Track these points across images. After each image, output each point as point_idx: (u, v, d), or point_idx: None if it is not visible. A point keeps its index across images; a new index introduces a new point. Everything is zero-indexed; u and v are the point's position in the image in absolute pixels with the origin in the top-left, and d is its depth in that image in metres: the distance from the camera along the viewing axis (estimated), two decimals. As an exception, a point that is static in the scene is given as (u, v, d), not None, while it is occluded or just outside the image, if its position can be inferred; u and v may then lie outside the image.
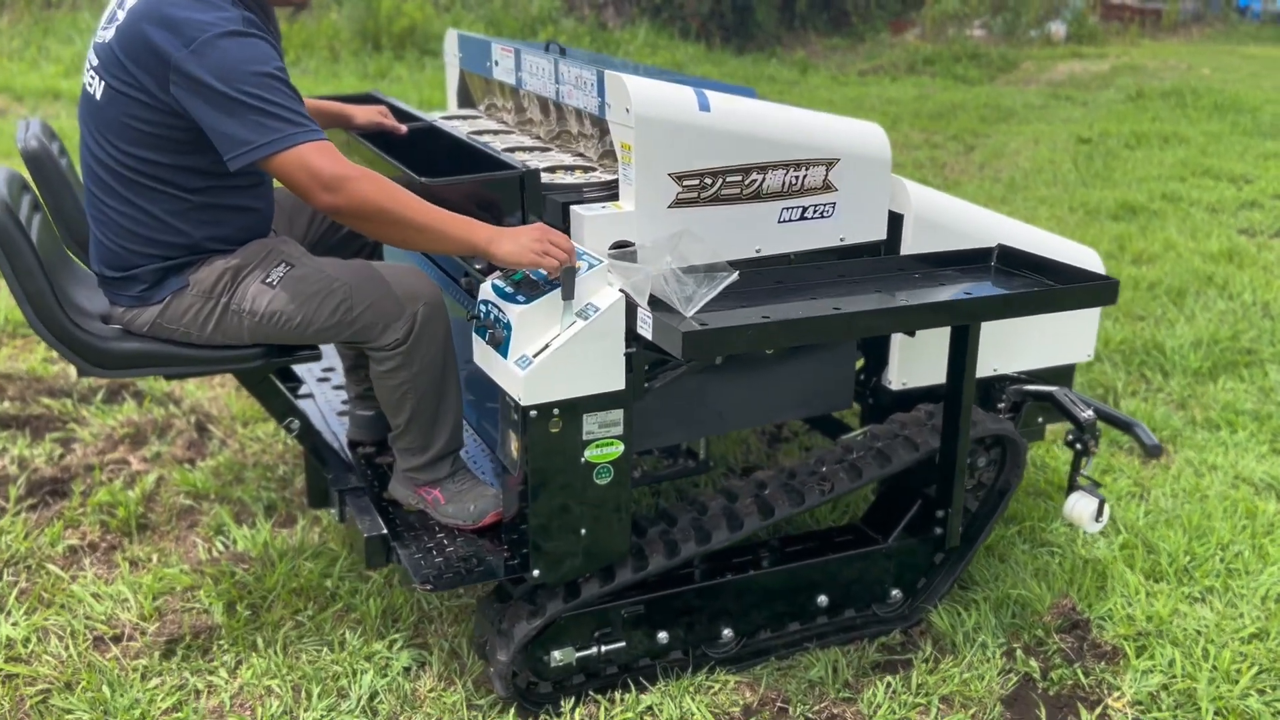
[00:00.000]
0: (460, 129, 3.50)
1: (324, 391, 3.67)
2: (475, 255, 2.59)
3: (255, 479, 3.83)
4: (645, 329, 2.40)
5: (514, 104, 3.65)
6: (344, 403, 3.54)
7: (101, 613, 3.12)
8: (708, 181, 2.69)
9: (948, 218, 3.05)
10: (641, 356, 2.56)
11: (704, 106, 2.70)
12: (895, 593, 3.12)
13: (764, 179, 2.78)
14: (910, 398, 3.18)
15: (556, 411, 2.48)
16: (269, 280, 2.70)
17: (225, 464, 3.92)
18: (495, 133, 3.53)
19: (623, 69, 2.96)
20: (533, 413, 2.46)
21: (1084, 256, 3.28)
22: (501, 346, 2.49)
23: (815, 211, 2.86)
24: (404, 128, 3.36)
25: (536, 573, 2.61)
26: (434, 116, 3.75)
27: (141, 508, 3.63)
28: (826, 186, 2.86)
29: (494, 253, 2.50)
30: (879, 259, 2.90)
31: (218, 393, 4.50)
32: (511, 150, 3.25)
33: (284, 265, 2.72)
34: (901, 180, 3.00)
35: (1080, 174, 8.83)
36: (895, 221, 2.99)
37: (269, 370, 2.85)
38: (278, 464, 3.94)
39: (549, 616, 2.65)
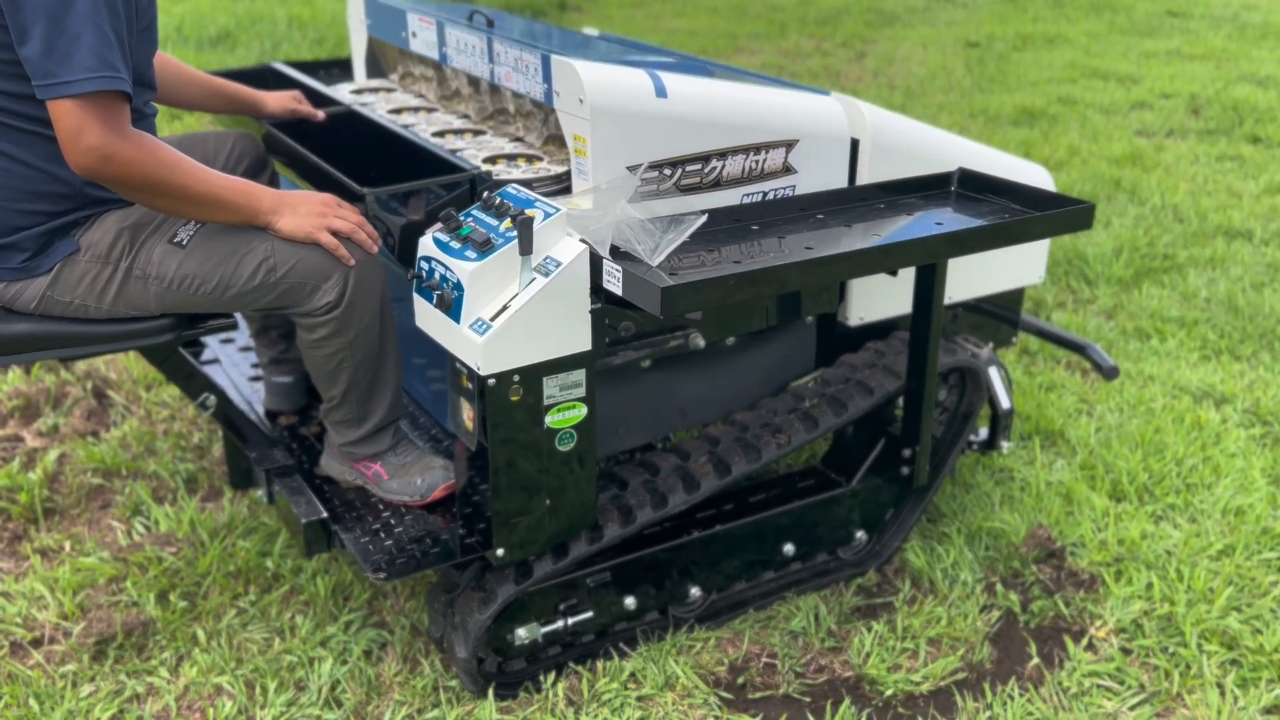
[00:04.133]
0: (378, 107, 3.23)
1: (230, 355, 3.40)
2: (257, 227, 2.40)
3: (169, 449, 3.57)
4: (614, 284, 2.20)
5: (436, 75, 3.38)
6: (254, 367, 3.28)
7: (15, 614, 2.86)
8: (667, 172, 2.49)
9: (904, 141, 2.90)
10: (606, 312, 2.37)
11: (660, 92, 2.50)
12: (860, 535, 3.02)
13: (724, 166, 2.61)
14: (868, 333, 3.05)
15: (517, 379, 2.28)
16: (177, 239, 2.41)
17: (133, 434, 3.64)
18: (417, 110, 3.26)
19: (559, 43, 2.73)
20: (492, 381, 2.25)
21: (1038, 175, 3.17)
22: (453, 309, 2.26)
23: (776, 195, 2.69)
24: (321, 114, 3.04)
25: (501, 551, 2.42)
26: (345, 91, 3.46)
27: (45, 490, 3.35)
28: (786, 169, 2.69)
29: (276, 228, 2.36)
30: (839, 190, 2.74)
31: (113, 355, 4.18)
32: (440, 134, 3.00)
33: (194, 222, 2.43)
34: (856, 102, 2.84)
35: (974, 78, 8.78)
36: (851, 147, 2.83)
37: (178, 344, 2.56)
38: (191, 431, 3.68)
39: (502, 602, 2.47)
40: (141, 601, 2.89)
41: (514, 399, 2.29)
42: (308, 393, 3.10)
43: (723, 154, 2.59)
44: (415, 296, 2.39)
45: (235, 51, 9.35)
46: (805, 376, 3.04)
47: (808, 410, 2.81)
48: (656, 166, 2.48)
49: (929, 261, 2.63)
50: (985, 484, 3.37)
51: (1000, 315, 3.31)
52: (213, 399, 2.68)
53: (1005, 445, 3.23)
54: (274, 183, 2.92)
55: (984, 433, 3.27)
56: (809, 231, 2.55)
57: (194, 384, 2.65)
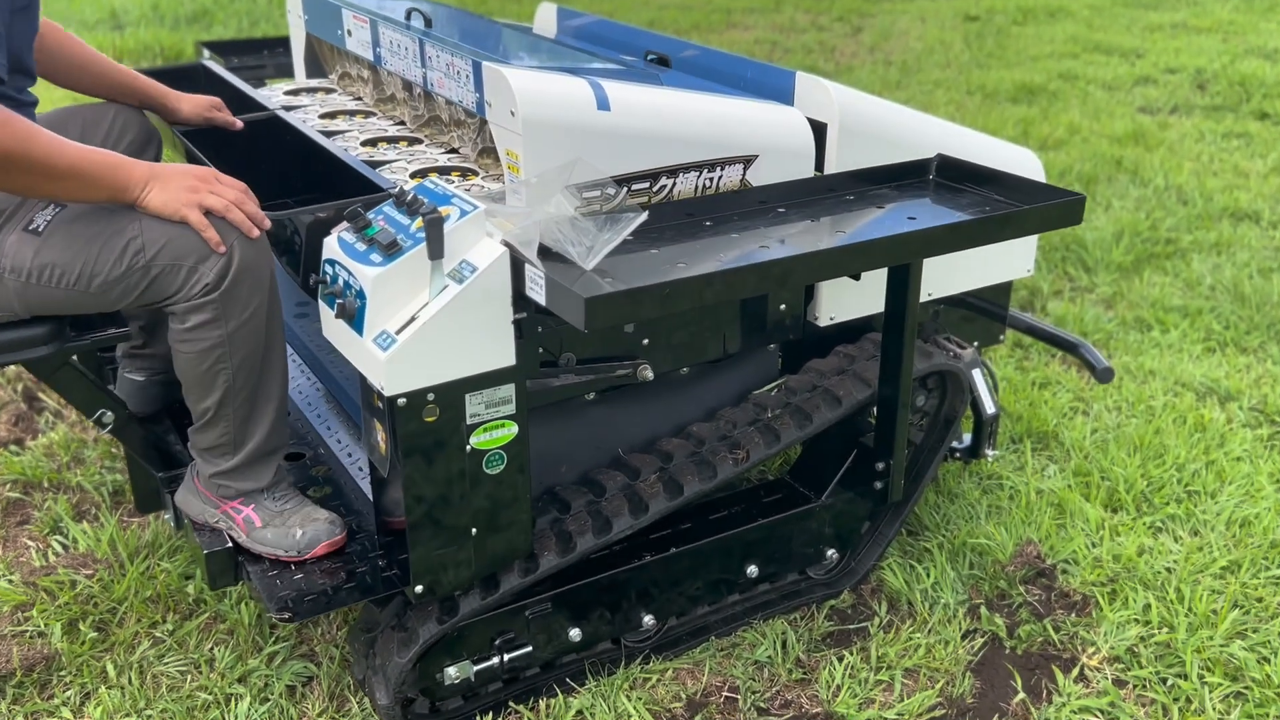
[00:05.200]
0: (311, 111, 2.98)
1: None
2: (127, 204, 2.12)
3: (97, 458, 3.33)
4: (536, 292, 1.95)
5: (372, 77, 3.12)
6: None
7: (-85, 645, 2.63)
8: (611, 192, 2.24)
9: (876, 125, 2.64)
10: (536, 321, 2.12)
11: (603, 104, 2.26)
12: (832, 553, 2.77)
13: (674, 184, 2.37)
14: (840, 333, 2.79)
15: (431, 397, 2.02)
16: (33, 226, 2.13)
17: (60, 443, 3.40)
18: (352, 114, 3.01)
19: (501, 46, 2.48)
20: (401, 401, 2.00)
21: (1023, 161, 2.91)
22: (355, 320, 2.01)
23: (734, 216, 2.45)
24: (239, 122, 2.76)
25: (420, 588, 2.18)
26: (280, 93, 3.20)
27: (-38, 506, 3.12)
28: (744, 188, 2.45)
29: (144, 204, 2.09)
30: (804, 180, 2.49)
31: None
32: (373, 141, 2.76)
33: (53, 206, 2.16)
34: (823, 82, 2.58)
35: (973, 54, 8.50)
36: (818, 132, 2.58)
37: (63, 358, 2.29)
38: (124, 440, 3.44)
39: (424, 643, 2.23)
40: (48, 631, 2.65)
41: (429, 419, 2.04)
42: (159, 399, 2.79)
43: (673, 171, 2.35)
44: (320, 303, 2.14)
45: (212, 29, 9.10)
46: (768, 384, 2.79)
47: (769, 422, 2.57)
48: (598, 186, 2.24)
49: (898, 263, 2.37)
50: (971, 493, 3.12)
51: (987, 310, 3.05)
52: (109, 415, 2.42)
53: (991, 453, 2.98)
54: (159, 159, 2.66)
55: (968, 439, 3.03)
56: (767, 228, 2.30)
57: (88, 398, 2.39)
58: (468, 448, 2.11)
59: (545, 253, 2.01)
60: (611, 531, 2.36)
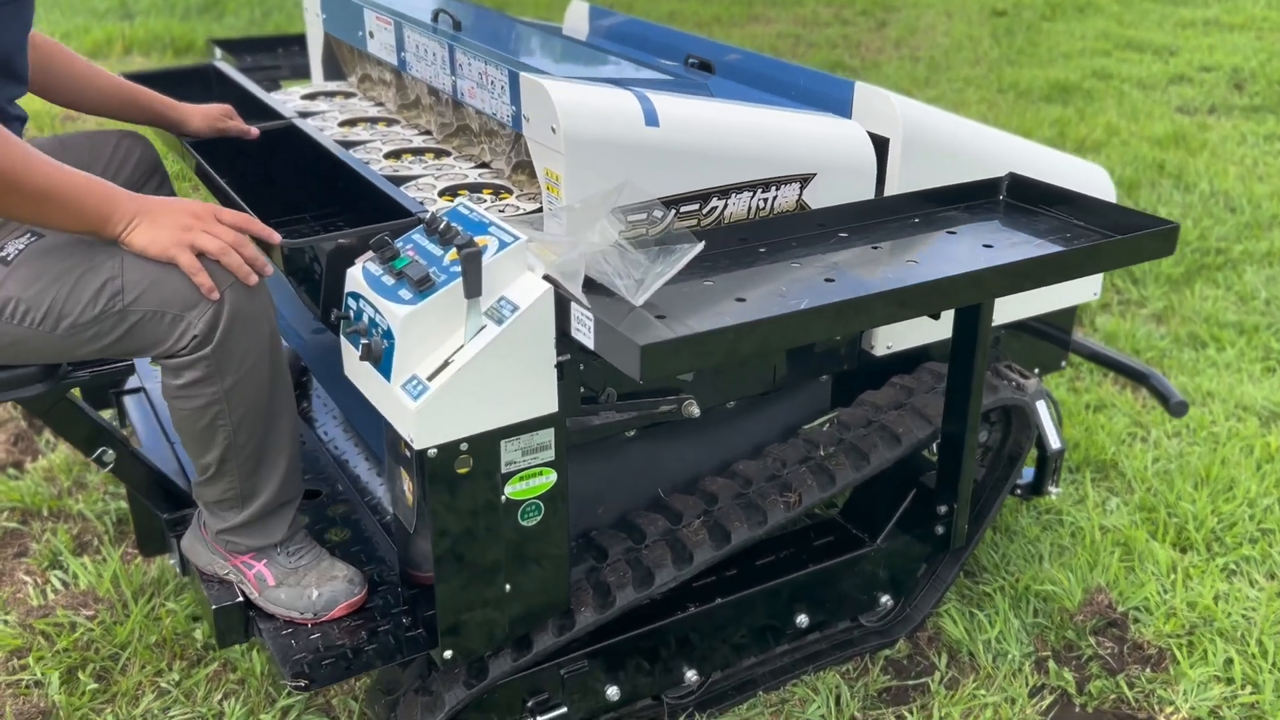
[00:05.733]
0: (330, 118, 2.78)
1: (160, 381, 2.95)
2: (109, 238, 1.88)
3: (100, 483, 3.14)
4: (583, 334, 1.75)
5: (395, 81, 2.91)
6: None
7: (-98, 693, 2.45)
8: (658, 215, 2.04)
9: (940, 139, 2.44)
10: (579, 361, 1.92)
11: (651, 119, 2.06)
12: (887, 599, 2.58)
13: (726, 205, 2.17)
14: (895, 362, 2.59)
15: (465, 448, 1.83)
16: (3, 255, 1.92)
17: (61, 465, 3.21)
18: (373, 122, 2.80)
19: (535, 52, 2.28)
20: (432, 453, 1.81)
21: (1095, 179, 2.70)
22: (382, 364, 1.81)
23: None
24: (254, 130, 2.54)
25: (448, 653, 1.98)
26: (294, 97, 3.00)
27: (-43, 535, 2.94)
28: (801, 208, 2.26)
29: (128, 240, 1.85)
30: (867, 202, 2.29)
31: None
32: (397, 153, 2.55)
33: (28, 235, 1.93)
34: (885, 94, 2.38)
35: (1002, 50, 8.27)
36: (879, 147, 2.38)
37: (60, 395, 2.09)
38: (129, 463, 3.25)
39: (450, 710, 2.03)
40: (46, 681, 2.47)
41: (462, 471, 1.84)
42: None
43: (725, 191, 2.15)
44: (342, 340, 1.94)
45: (223, 20, 8.90)
46: (819, 419, 2.59)
47: (822, 462, 2.37)
48: (645, 208, 2.04)
49: (984, 300, 2.17)
50: (1030, 530, 2.93)
51: (1050, 336, 2.85)
52: (111, 453, 2.22)
53: (1054, 490, 2.78)
54: (166, 188, 2.46)
55: (1029, 474, 2.83)
56: (829, 254, 2.10)
57: (86, 436, 2.19)
58: (502, 499, 1.92)
59: (589, 284, 1.81)
60: (654, 584, 2.16)
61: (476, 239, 1.81)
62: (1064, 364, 2.93)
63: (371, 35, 2.76)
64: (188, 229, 1.85)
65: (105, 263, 1.85)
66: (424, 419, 1.74)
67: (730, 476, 2.39)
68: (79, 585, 2.76)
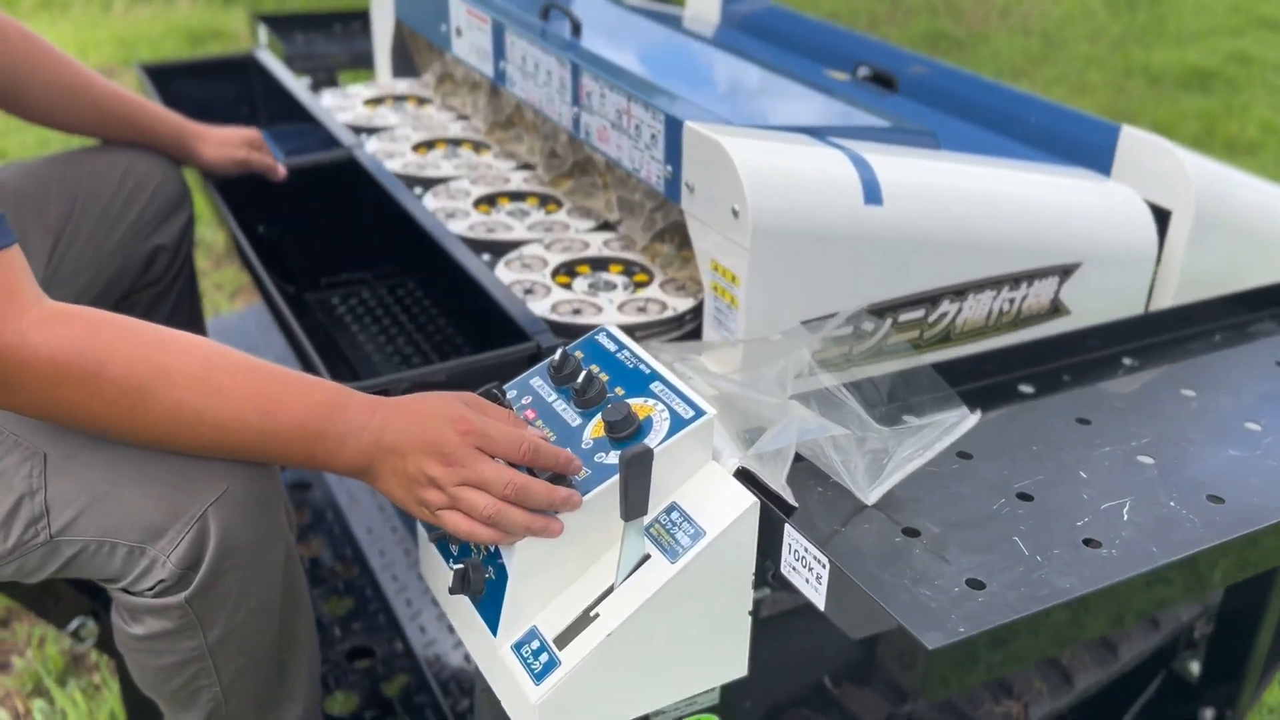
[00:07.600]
0: (399, 137, 2.12)
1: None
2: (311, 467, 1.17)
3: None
4: (811, 589, 1.09)
5: (485, 85, 2.23)
6: None
7: None
8: (868, 326, 1.39)
9: (1238, 213, 1.78)
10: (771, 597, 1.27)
11: (872, 195, 1.42)
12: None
13: (960, 309, 1.53)
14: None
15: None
16: None
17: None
18: (456, 144, 2.14)
19: (685, 68, 1.64)
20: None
21: None
22: (486, 606, 1.16)
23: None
24: (282, 169, 1.89)
25: None
26: (355, 102, 2.33)
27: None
28: (1055, 310, 1.61)
29: (374, 475, 1.16)
30: (1153, 315, 1.63)
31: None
32: (490, 199, 1.88)
33: None
34: (1168, 146, 1.72)
35: (1123, 24, 7.49)
36: (1160, 220, 1.71)
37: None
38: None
39: None
40: None
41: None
42: None
43: (960, 291, 1.50)
44: (420, 543, 1.30)
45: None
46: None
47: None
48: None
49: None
50: None
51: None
52: (91, 625, 1.61)
53: None
54: (190, 234, 1.82)
55: None
56: (1121, 404, 1.44)
57: (60, 608, 1.59)
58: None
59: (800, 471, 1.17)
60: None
61: (634, 404, 1.16)
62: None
63: (459, 33, 2.08)
64: (456, 448, 1.11)
65: (16, 469, 1.18)
66: (551, 710, 1.09)
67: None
68: None
